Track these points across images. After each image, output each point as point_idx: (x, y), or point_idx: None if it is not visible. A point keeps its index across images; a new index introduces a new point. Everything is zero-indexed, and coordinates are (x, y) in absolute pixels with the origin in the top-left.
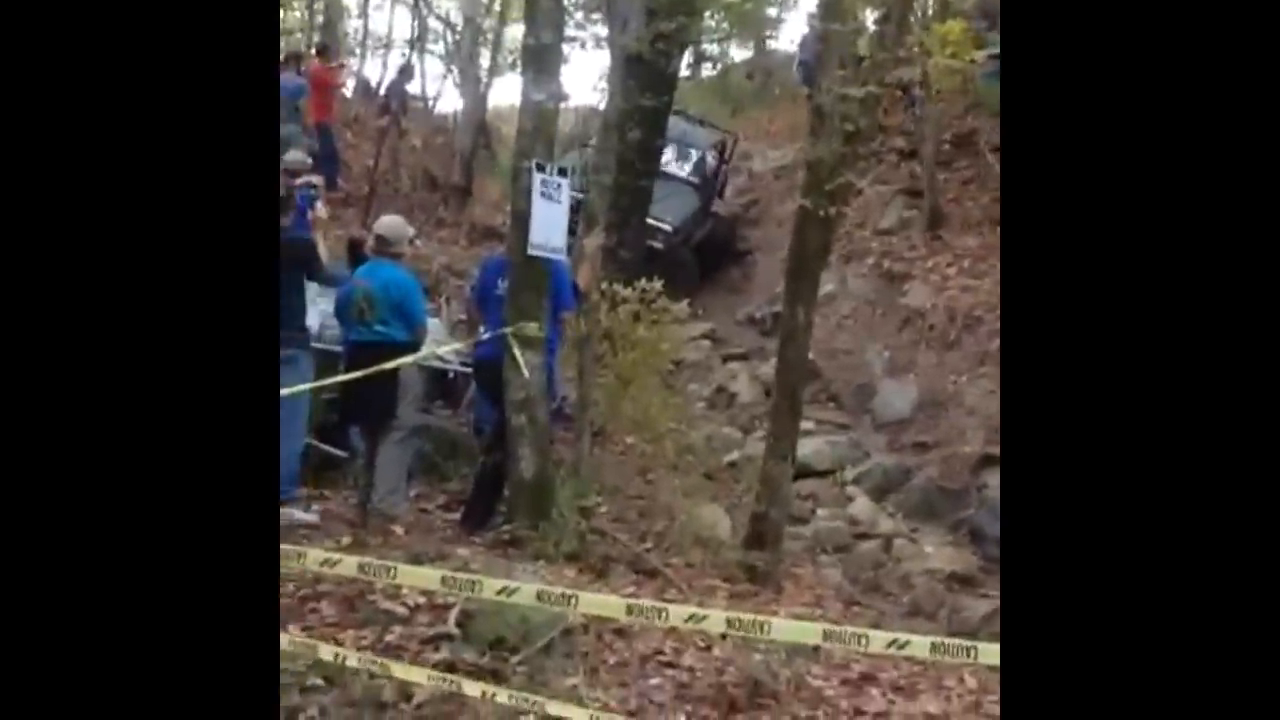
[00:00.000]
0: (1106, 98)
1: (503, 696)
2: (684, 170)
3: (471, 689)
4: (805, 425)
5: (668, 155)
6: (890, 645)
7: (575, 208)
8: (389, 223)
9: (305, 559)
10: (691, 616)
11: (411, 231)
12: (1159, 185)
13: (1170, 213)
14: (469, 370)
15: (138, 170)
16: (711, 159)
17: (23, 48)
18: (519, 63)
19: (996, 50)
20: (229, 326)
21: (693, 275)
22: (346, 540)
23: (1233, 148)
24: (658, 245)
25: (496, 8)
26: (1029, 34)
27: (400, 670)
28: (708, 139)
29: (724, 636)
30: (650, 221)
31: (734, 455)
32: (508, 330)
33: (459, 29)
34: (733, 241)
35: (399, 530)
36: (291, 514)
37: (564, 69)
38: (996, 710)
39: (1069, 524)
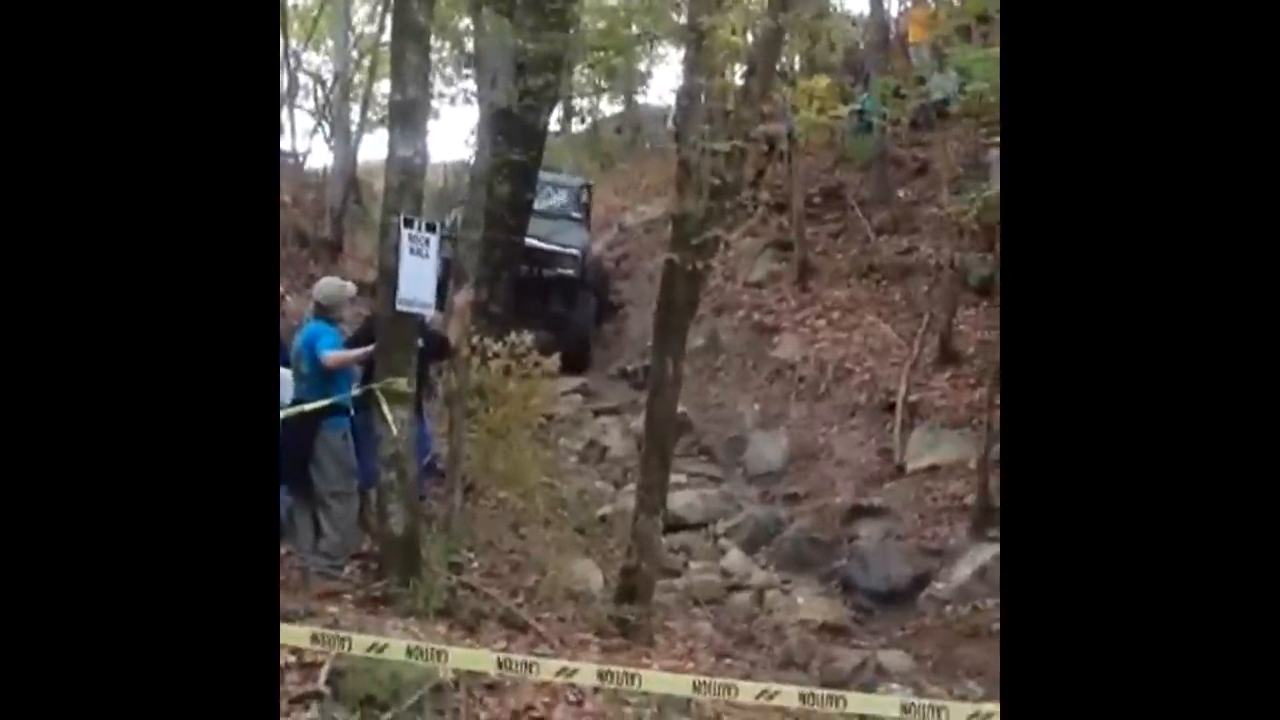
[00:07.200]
0: (1106, 112)
1: None
2: (568, 209)
3: None
4: (678, 478)
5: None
6: (760, 695)
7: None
8: (322, 285)
9: None
10: (563, 670)
11: (351, 291)
12: (1158, 194)
13: (1169, 223)
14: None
15: (140, 173)
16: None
17: (24, 55)
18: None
19: (861, 105)
20: (230, 332)
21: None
22: None
23: (1231, 158)
24: (569, 272)
25: (366, 63)
26: (1029, 37)
27: None
28: (573, 180)
29: (596, 690)
30: (556, 249)
31: (606, 509)
32: (376, 386)
33: (329, 84)
34: (607, 278)
35: None
36: None
37: (434, 124)
38: None
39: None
